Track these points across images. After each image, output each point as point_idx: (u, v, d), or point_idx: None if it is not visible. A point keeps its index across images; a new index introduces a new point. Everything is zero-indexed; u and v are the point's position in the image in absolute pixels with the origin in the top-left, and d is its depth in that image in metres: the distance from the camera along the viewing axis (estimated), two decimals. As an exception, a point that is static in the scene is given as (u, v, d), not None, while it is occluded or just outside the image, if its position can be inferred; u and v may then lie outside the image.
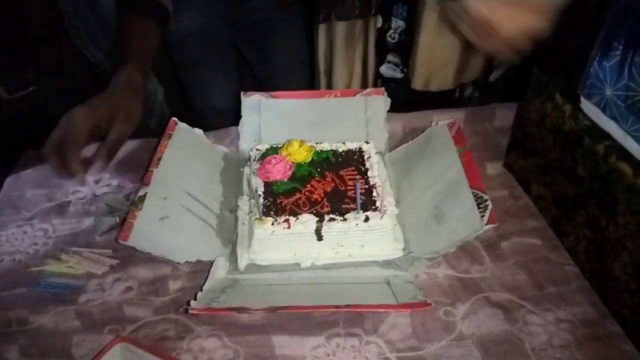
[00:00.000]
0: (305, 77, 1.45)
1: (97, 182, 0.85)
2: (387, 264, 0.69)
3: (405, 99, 1.09)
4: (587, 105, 0.64)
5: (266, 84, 1.48)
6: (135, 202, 0.71)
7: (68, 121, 0.72)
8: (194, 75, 1.43)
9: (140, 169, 0.86)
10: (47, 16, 0.87)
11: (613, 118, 0.60)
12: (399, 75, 1.10)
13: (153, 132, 1.19)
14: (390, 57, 1.10)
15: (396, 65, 1.11)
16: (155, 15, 0.94)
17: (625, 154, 0.59)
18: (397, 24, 1.03)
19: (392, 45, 1.07)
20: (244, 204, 0.77)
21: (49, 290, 0.68)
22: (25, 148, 0.91)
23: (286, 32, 1.37)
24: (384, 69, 1.11)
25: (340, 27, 1.04)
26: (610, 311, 0.63)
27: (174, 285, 0.68)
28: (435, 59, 1.07)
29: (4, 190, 0.84)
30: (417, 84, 1.08)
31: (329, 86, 1.20)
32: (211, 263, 0.70)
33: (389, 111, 0.89)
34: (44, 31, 0.88)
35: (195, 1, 1.24)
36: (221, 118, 1.45)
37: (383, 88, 0.93)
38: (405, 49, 1.06)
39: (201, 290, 0.65)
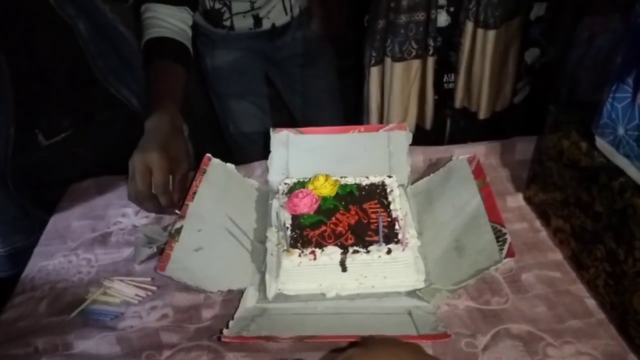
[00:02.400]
0: (337, 110, 1.51)
1: (136, 213, 0.91)
2: (409, 295, 0.72)
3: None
4: (601, 144, 0.67)
5: (297, 116, 1.54)
6: (172, 234, 0.76)
7: (149, 164, 0.81)
8: (227, 105, 1.50)
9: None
10: (74, 62, 0.93)
11: (627, 156, 0.63)
12: None
13: None
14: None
15: None
16: (180, 57, 1.02)
17: (639, 191, 0.61)
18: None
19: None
20: (272, 235, 0.81)
21: (92, 317, 0.74)
22: (64, 187, 0.97)
23: (317, 67, 1.43)
24: None
25: (397, 68, 1.09)
26: (630, 346, 0.64)
27: (207, 313, 0.73)
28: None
29: (51, 221, 0.91)
30: (481, 112, 1.12)
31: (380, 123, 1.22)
32: (242, 292, 0.74)
33: (411, 145, 0.94)
34: (74, 77, 0.95)
35: (229, 39, 1.32)
36: (253, 145, 1.51)
37: (405, 123, 0.98)
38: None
39: (232, 318, 0.69)
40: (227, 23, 1.25)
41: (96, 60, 0.94)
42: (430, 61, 1.07)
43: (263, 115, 1.53)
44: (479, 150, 0.95)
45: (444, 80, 1.13)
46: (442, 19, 1.05)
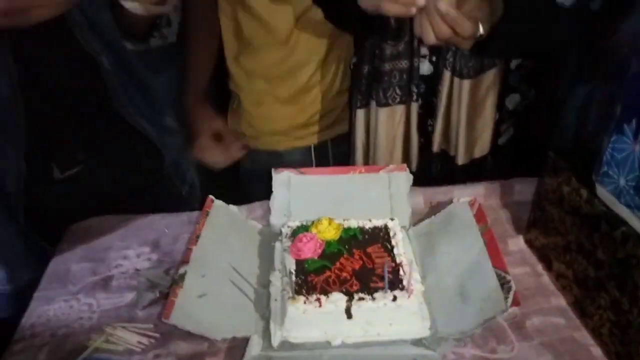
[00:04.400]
0: None
1: (138, 256, 0.90)
2: (415, 343, 0.72)
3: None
4: (602, 192, 0.68)
5: None
6: (176, 280, 0.76)
7: None
8: None
9: (177, 242, 0.93)
10: (93, 95, 0.95)
11: (628, 206, 0.64)
12: None
13: (185, 199, 1.27)
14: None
15: None
16: None
17: (642, 242, 0.62)
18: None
19: None
20: (276, 279, 0.81)
21: (94, 365, 0.73)
22: (72, 223, 0.97)
23: None
24: None
25: (382, 113, 1.10)
26: (638, 396, 0.64)
27: (210, 363, 0.72)
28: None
29: (51, 264, 0.90)
30: (459, 158, 1.12)
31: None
32: (246, 340, 0.73)
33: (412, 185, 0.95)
34: (92, 109, 0.96)
35: None
36: None
37: (405, 164, 0.99)
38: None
39: (238, 369, 0.68)
40: None
41: (117, 92, 0.96)
42: (414, 107, 1.09)
43: None
44: (478, 191, 0.97)
45: (428, 124, 1.14)
46: (425, 68, 1.07)
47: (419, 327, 0.72)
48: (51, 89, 0.88)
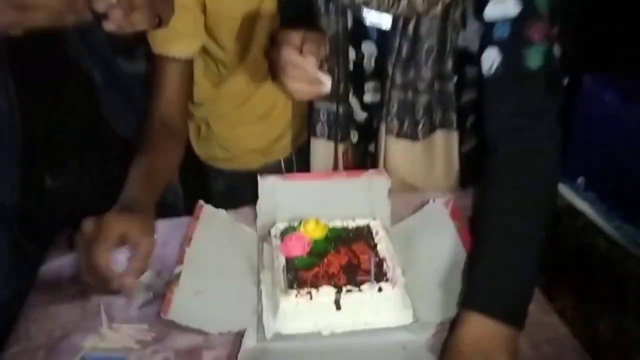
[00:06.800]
0: None
1: (128, 260, 0.92)
2: (400, 330, 0.77)
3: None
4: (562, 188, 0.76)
5: None
6: (172, 279, 0.79)
7: (102, 224, 0.77)
8: None
9: (166, 246, 0.96)
10: (86, 107, 0.99)
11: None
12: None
13: (169, 206, 1.29)
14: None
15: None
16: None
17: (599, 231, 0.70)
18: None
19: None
20: (267, 277, 0.85)
21: (94, 363, 0.75)
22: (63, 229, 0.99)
23: None
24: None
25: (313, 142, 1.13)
26: None
27: (208, 355, 0.75)
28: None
29: (43, 269, 0.92)
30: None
31: None
32: (241, 333, 0.77)
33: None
34: (84, 121, 1.00)
35: None
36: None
37: (384, 169, 1.05)
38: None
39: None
40: None
41: (108, 106, 0.99)
42: (340, 147, 1.12)
43: None
44: (451, 195, 1.04)
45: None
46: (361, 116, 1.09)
47: (404, 316, 0.78)
48: (45, 102, 0.91)
